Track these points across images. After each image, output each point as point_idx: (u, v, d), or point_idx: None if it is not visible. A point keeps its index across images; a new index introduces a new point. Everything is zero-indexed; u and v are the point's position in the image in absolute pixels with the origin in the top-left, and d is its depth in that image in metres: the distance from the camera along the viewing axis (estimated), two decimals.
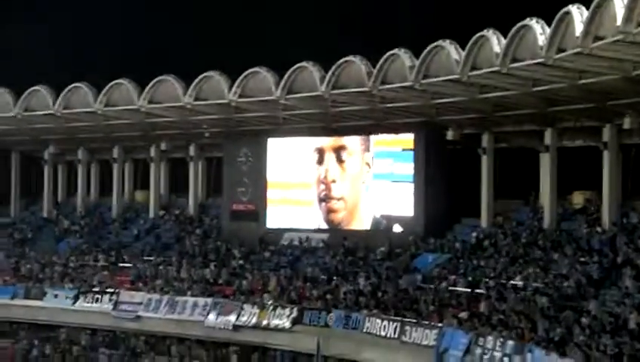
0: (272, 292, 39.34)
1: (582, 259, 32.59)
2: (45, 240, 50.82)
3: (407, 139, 40.16)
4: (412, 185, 39.97)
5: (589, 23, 27.49)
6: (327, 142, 42.59)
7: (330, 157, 42.43)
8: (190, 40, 54.31)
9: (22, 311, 45.35)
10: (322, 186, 42.68)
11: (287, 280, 39.92)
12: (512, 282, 33.35)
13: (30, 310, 45.12)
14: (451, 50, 34.83)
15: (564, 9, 29.04)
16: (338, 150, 42.18)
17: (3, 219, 53.84)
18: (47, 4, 55.53)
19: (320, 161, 42.69)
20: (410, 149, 39.99)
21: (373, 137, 41.25)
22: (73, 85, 47.66)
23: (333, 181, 42.36)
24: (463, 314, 32.63)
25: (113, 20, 56.17)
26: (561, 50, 29.49)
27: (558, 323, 29.12)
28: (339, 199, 42.31)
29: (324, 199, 42.63)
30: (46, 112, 48.36)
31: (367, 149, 41.41)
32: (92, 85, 47.21)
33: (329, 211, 42.59)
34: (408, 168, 40.13)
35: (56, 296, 44.75)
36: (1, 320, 45.83)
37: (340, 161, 42.20)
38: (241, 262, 42.80)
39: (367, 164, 41.44)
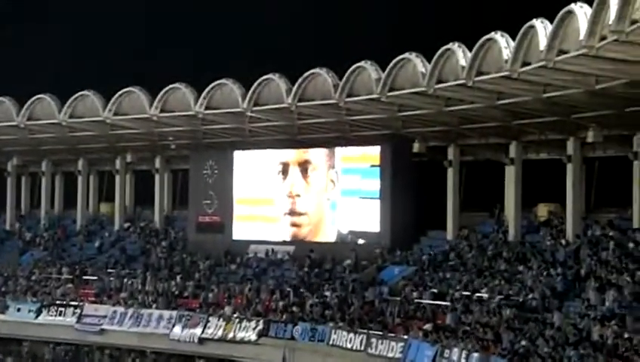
0: (236, 305, 39.26)
1: (546, 272, 32.85)
2: (8, 252, 50.39)
3: (375, 155, 40.25)
4: (379, 201, 40.05)
5: (553, 37, 27.83)
6: (293, 156, 42.62)
7: (294, 171, 42.48)
8: (154, 52, 54.24)
9: None
10: (288, 200, 42.71)
11: (252, 292, 39.87)
12: (477, 294, 33.54)
13: None
14: (417, 63, 35.06)
15: (529, 23, 29.37)
16: (303, 164, 42.25)
17: None
18: (7, 16, 55.26)
19: (285, 175, 42.73)
20: (378, 165, 40.12)
21: (339, 153, 41.32)
22: (37, 97, 47.38)
23: (298, 195, 42.39)
24: (428, 326, 32.78)
25: (78, 33, 55.95)
26: (525, 64, 29.79)
27: (523, 335, 29.33)
28: (302, 214, 42.33)
29: (289, 213, 42.65)
30: (9, 123, 48.03)
31: (332, 166, 41.52)
32: (56, 97, 46.96)
33: (293, 225, 42.61)
34: (376, 185, 40.24)
35: (19, 309, 44.41)
36: None
37: (304, 175, 42.26)
38: (206, 274, 42.71)
39: (332, 181, 41.54)
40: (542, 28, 28.61)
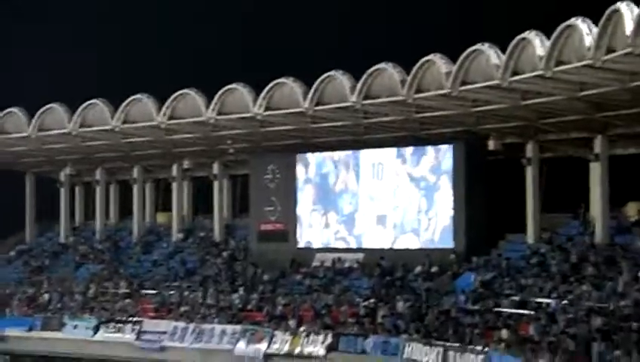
0: (303, 317, 39.05)
1: (639, 276, 32.01)
2: (63, 267, 50.82)
3: (447, 153, 39.71)
4: (452, 202, 39.53)
5: None
6: (361, 156, 42.31)
7: (364, 172, 42.17)
8: (212, 51, 54.25)
9: (40, 343, 45.28)
10: (356, 202, 42.38)
11: (320, 304, 39.60)
12: (563, 302, 32.80)
13: (49, 342, 45.06)
14: (491, 54, 34.44)
15: (613, 6, 28.57)
16: (373, 165, 41.87)
17: (18, 246, 53.91)
18: (58, 19, 55.84)
19: (354, 177, 42.42)
20: (451, 164, 39.57)
21: (410, 152, 40.85)
22: (89, 102, 47.69)
23: (369, 198, 42.05)
24: (505, 332, 32.21)
25: (128, 34, 56.29)
26: (610, 51, 29.04)
27: (615, 346, 28.57)
28: (373, 216, 41.97)
29: (359, 215, 42.30)
30: (61, 131, 48.42)
31: (403, 164, 41.10)
32: (109, 101, 47.20)
33: (363, 229, 42.28)
34: (449, 184, 39.68)
35: (75, 326, 44.70)
36: (19, 354, 45.76)
37: (375, 177, 41.91)
38: (271, 285, 42.52)
39: (403, 179, 41.10)
40: (628, 11, 27.82)
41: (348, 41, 48.86)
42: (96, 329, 44.01)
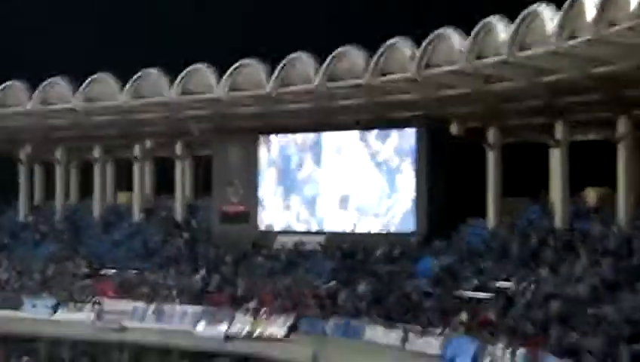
0: (264, 299, 39.27)
1: (596, 261, 32.46)
2: (22, 246, 50.61)
3: (410, 136, 40.04)
4: (414, 185, 39.91)
5: (602, 8, 27.37)
6: (324, 138, 42.53)
7: (327, 155, 42.39)
8: (175, 30, 54.04)
9: None
10: (318, 185, 42.61)
11: (281, 286, 39.82)
12: (521, 286, 33.23)
13: (6, 321, 44.90)
14: (455, 39, 34.71)
15: None
16: (336, 148, 42.12)
17: None
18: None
19: (316, 159, 42.64)
20: (413, 148, 39.90)
21: (373, 135, 41.15)
22: (50, 80, 47.43)
23: (331, 180, 42.28)
24: (466, 317, 32.55)
25: (91, 11, 55.92)
26: (572, 37, 29.38)
27: (572, 330, 29.01)
28: (336, 199, 42.23)
29: (321, 198, 42.54)
30: (21, 109, 48.13)
31: (366, 147, 41.35)
32: (71, 80, 46.95)
33: (325, 212, 42.52)
34: (411, 167, 40.03)
35: (34, 305, 44.59)
36: None
37: (337, 158, 42.15)
38: (232, 267, 42.68)
39: (366, 163, 41.37)
40: None
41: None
42: (55, 309, 43.97)
